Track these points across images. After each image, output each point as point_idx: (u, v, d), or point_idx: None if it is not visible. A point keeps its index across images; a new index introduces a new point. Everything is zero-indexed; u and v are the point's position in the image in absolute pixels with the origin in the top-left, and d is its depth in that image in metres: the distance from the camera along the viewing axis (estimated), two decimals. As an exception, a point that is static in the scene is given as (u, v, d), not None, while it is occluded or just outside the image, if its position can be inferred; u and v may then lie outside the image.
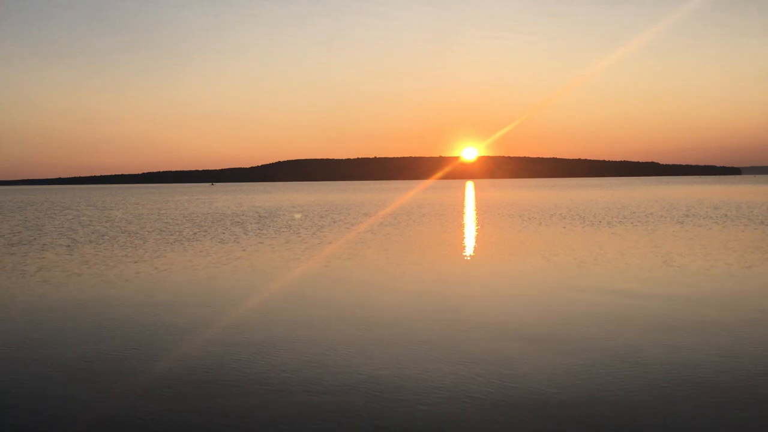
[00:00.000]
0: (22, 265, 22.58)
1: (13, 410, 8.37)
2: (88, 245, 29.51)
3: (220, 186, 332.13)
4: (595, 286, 16.75)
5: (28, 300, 15.99)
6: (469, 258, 23.04)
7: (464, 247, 26.79)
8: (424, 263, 21.76)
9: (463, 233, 33.34)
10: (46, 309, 14.83)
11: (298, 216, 50.89)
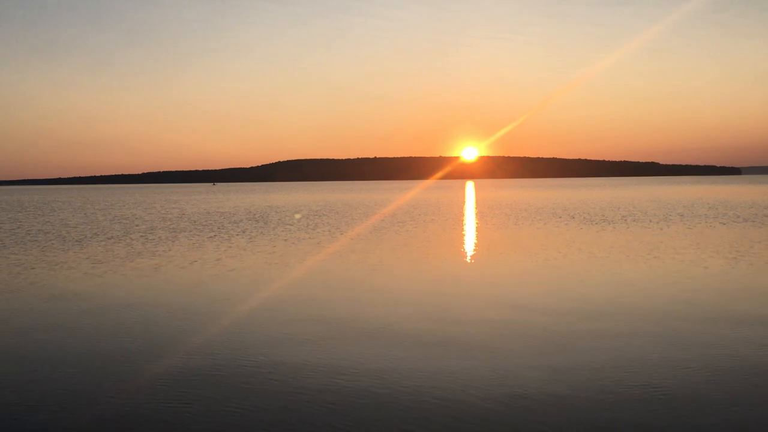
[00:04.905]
0: (56, 261, 23.06)
1: (20, 407, 8.44)
2: (113, 242, 29.98)
3: (220, 186, 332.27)
4: (591, 286, 17.13)
5: (58, 295, 16.45)
6: (468, 258, 23.41)
7: (464, 246, 27.16)
8: (424, 263, 22.14)
9: (463, 233, 33.70)
10: (80, 305, 15.21)
11: (298, 216, 51.26)
